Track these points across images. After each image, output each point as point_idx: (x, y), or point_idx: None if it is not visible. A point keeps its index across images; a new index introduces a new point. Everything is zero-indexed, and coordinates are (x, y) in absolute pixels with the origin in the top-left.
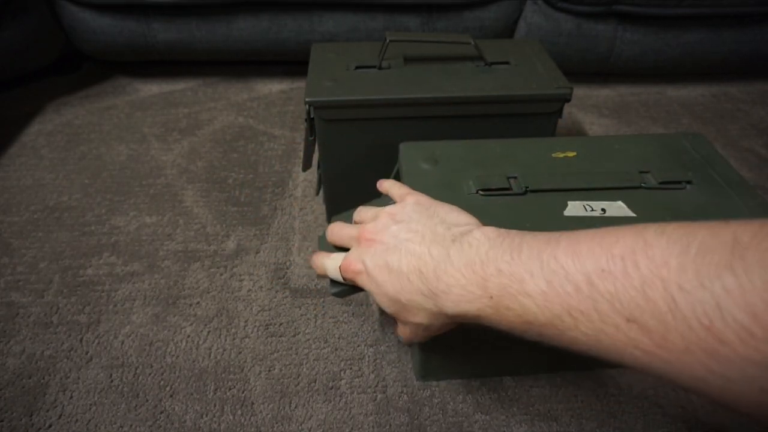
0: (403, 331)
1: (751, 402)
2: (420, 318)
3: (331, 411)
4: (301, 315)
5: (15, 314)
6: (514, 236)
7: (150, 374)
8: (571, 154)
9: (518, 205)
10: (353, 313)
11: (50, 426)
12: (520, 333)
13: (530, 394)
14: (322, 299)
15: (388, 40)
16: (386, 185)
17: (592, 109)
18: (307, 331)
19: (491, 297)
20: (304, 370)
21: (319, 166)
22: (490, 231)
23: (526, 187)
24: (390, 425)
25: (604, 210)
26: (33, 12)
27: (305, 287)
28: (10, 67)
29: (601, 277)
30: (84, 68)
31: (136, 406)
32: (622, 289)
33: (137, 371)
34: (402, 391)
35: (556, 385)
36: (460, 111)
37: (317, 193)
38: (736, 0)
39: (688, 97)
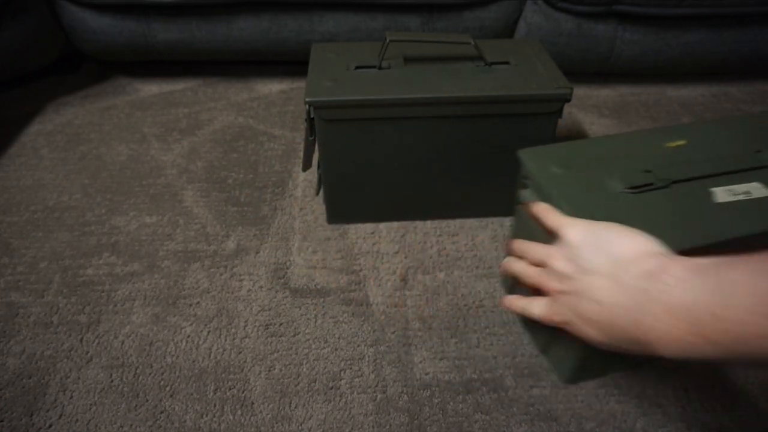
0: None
1: None
2: (631, 351)
3: (331, 411)
4: (301, 315)
5: (15, 314)
6: (710, 269)
7: (150, 374)
8: (681, 142)
9: (666, 199)
10: (353, 313)
11: (50, 426)
12: None
13: (530, 394)
14: (322, 299)
15: (388, 40)
16: (538, 210)
17: (592, 109)
18: (307, 331)
19: (716, 343)
20: (304, 370)
21: (319, 166)
22: (681, 270)
23: (670, 180)
24: (390, 425)
25: (749, 192)
26: (33, 12)
27: (305, 287)
28: (10, 67)
29: None
30: (84, 68)
31: (137, 406)
32: None
33: (137, 371)
34: (402, 391)
35: (556, 385)
36: (459, 111)
37: (317, 193)
38: (736, 0)
39: (688, 97)
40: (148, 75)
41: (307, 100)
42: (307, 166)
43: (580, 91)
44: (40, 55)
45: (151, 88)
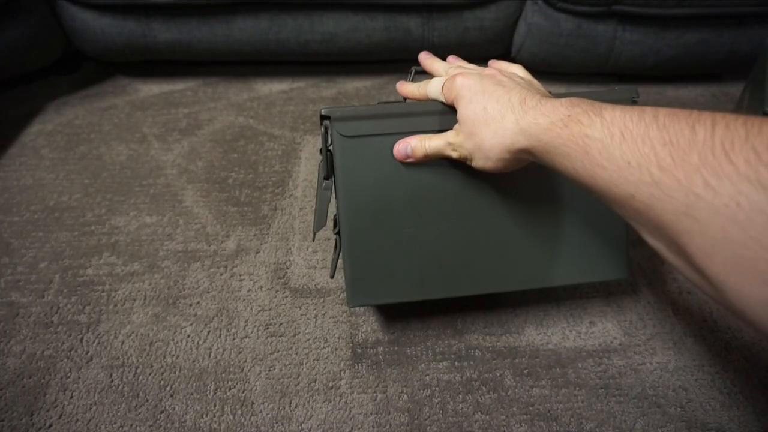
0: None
1: None
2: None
3: (331, 411)
4: (301, 315)
5: (15, 314)
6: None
7: (150, 374)
8: None
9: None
10: (353, 313)
11: (50, 426)
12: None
13: (530, 394)
14: (322, 299)
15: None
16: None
17: None
18: (307, 331)
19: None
20: (304, 370)
21: (335, 225)
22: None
23: None
24: (390, 425)
25: None
26: (33, 12)
27: (305, 287)
28: (11, 67)
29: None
30: (84, 68)
31: (137, 405)
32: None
33: (137, 371)
34: (402, 391)
35: (556, 385)
36: None
37: (332, 276)
38: (736, 0)
39: (688, 97)
40: (148, 75)
41: (323, 112)
42: (321, 223)
43: (579, 92)
44: (41, 55)
45: (151, 88)
